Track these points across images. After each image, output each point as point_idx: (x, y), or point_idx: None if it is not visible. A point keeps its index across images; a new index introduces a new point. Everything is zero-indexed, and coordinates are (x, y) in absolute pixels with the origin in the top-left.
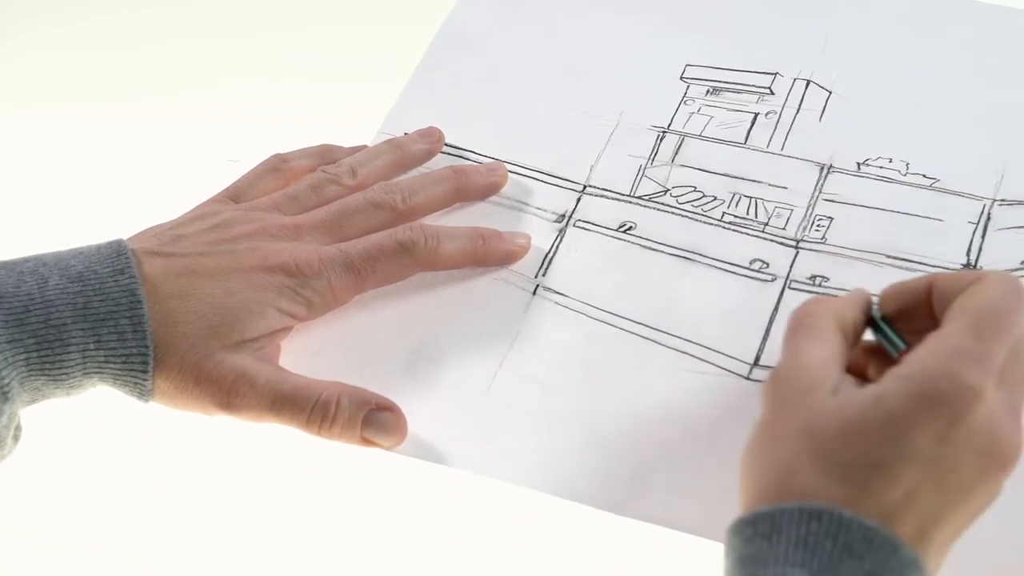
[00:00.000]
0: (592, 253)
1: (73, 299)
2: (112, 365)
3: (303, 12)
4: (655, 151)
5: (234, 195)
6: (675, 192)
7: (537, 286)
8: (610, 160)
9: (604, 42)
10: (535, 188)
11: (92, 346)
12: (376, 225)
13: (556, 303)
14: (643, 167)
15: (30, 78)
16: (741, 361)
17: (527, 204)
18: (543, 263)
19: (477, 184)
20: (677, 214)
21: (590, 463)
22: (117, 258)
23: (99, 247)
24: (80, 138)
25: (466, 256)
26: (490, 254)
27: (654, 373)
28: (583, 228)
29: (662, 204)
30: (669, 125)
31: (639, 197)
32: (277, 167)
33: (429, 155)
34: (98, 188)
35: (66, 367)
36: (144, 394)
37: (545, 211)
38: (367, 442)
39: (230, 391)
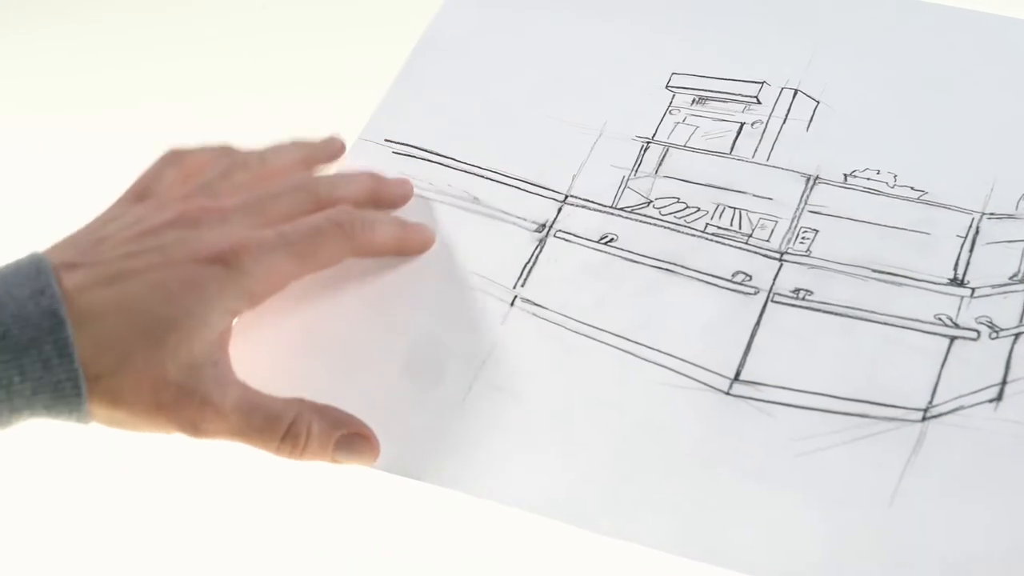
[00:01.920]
0: (572, 264)
1: None
2: (42, 396)
3: (282, 18)
4: (639, 162)
5: (141, 193)
6: (658, 204)
7: (515, 297)
8: (592, 170)
9: (588, 50)
10: (515, 197)
11: (16, 379)
12: (301, 211)
13: (534, 315)
14: (626, 178)
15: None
16: (721, 376)
17: (507, 213)
18: (522, 274)
19: (392, 191)
20: (660, 226)
21: (565, 479)
22: (37, 277)
23: (17, 265)
24: (50, 147)
25: (395, 242)
26: (412, 242)
27: (633, 387)
28: (564, 239)
29: (645, 216)
30: (653, 135)
31: (621, 208)
32: (175, 160)
33: (331, 160)
34: (77, 197)
35: None
36: (82, 418)
37: (525, 220)
38: (337, 463)
39: (195, 420)
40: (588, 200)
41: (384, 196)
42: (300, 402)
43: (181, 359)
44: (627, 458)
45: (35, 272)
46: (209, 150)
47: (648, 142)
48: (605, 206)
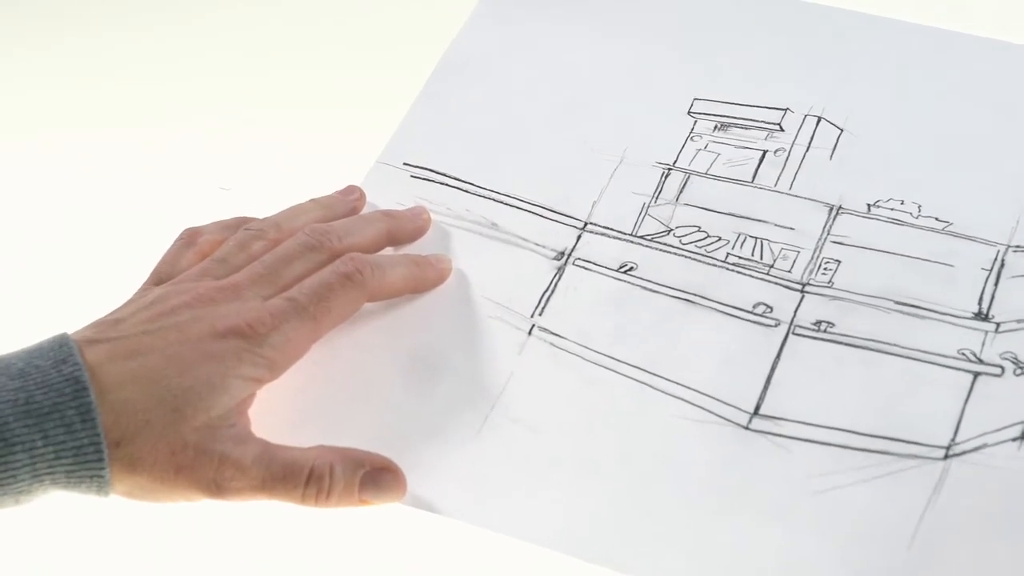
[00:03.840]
0: (591, 293)
1: (14, 395)
2: (64, 461)
3: (301, 37)
4: (659, 189)
5: (159, 278)
6: (679, 232)
7: (533, 326)
8: (613, 197)
9: (610, 73)
10: (535, 223)
11: (39, 443)
12: (314, 270)
13: (552, 344)
14: (647, 205)
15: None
16: (740, 410)
17: (526, 240)
18: (540, 302)
19: (407, 228)
20: (680, 255)
21: (580, 513)
22: (59, 349)
23: (41, 343)
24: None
25: (408, 281)
26: (427, 279)
27: (651, 420)
28: (583, 267)
29: (665, 244)
30: (675, 162)
31: (641, 236)
32: (192, 241)
33: (354, 213)
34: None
35: (11, 469)
36: (103, 487)
37: (544, 248)
38: (366, 503)
39: (216, 479)
40: (608, 228)
41: (400, 235)
42: (320, 448)
43: (199, 423)
44: (643, 493)
45: (58, 345)
46: (223, 225)
47: (669, 169)
48: (625, 234)
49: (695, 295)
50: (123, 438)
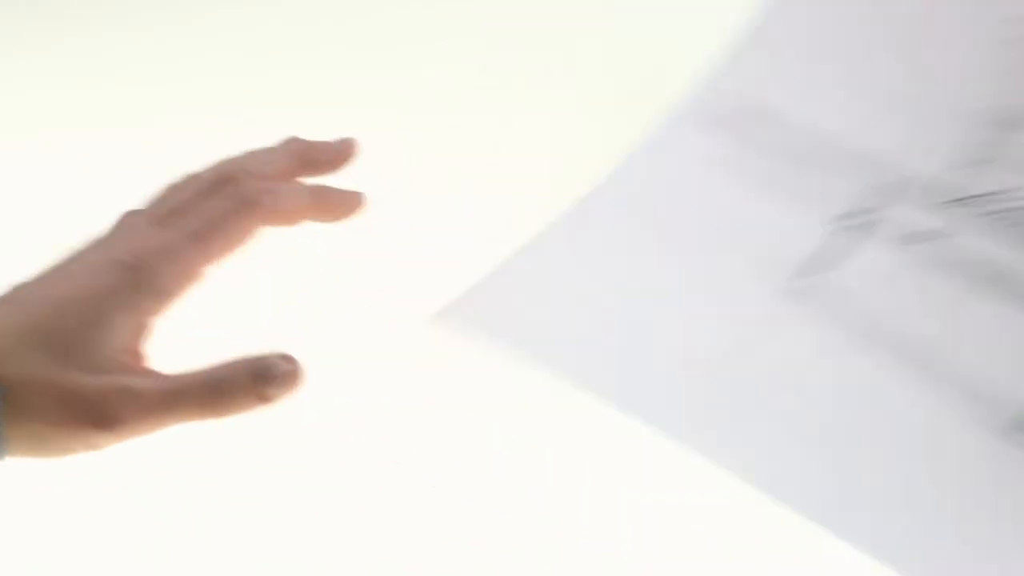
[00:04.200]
0: (875, 262)
1: None
2: None
3: (301, 38)
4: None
5: None
6: (997, 196)
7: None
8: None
9: None
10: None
11: None
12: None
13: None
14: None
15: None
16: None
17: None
18: (814, 264)
19: (323, 154)
20: (991, 224)
21: (811, 472)
22: None
23: None
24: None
25: (307, 207)
26: (330, 204)
27: (903, 412)
28: (870, 231)
29: (975, 210)
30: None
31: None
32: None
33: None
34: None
35: None
36: None
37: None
38: (265, 398)
39: (110, 412)
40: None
41: (317, 160)
42: (210, 364)
43: (89, 360)
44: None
45: None
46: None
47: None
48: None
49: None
50: (10, 388)
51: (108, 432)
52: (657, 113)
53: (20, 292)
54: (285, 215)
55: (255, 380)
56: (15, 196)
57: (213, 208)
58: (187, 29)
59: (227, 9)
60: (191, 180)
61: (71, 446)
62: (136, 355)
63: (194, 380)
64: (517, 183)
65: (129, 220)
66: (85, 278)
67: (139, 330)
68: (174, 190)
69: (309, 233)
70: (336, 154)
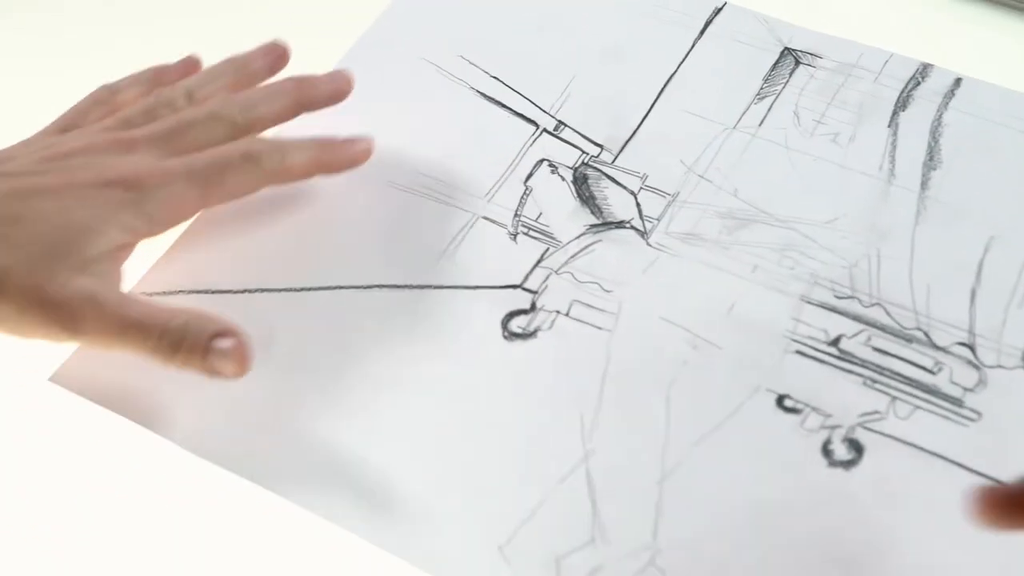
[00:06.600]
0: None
1: None
2: None
3: (301, 38)
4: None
5: (62, 127)
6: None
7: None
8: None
9: None
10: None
11: None
12: (215, 140)
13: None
14: None
15: None
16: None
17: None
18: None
19: (320, 93)
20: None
21: None
22: None
23: None
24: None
25: (313, 165)
26: (336, 162)
27: None
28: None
29: None
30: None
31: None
32: (104, 99)
33: (271, 72)
34: None
35: None
36: None
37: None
38: (211, 369)
39: (76, 315)
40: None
41: (313, 101)
42: (181, 308)
43: (72, 261)
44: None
45: None
46: (138, 84)
47: None
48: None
49: None
50: None
51: (66, 333)
52: None
53: (15, 176)
54: (289, 176)
55: (207, 349)
56: None
57: (218, 157)
58: (186, 29)
59: (227, 10)
60: (180, 95)
61: (31, 333)
62: (113, 271)
63: (155, 322)
64: None
65: (119, 125)
66: (85, 184)
67: (122, 249)
68: (166, 103)
69: None
70: (332, 94)
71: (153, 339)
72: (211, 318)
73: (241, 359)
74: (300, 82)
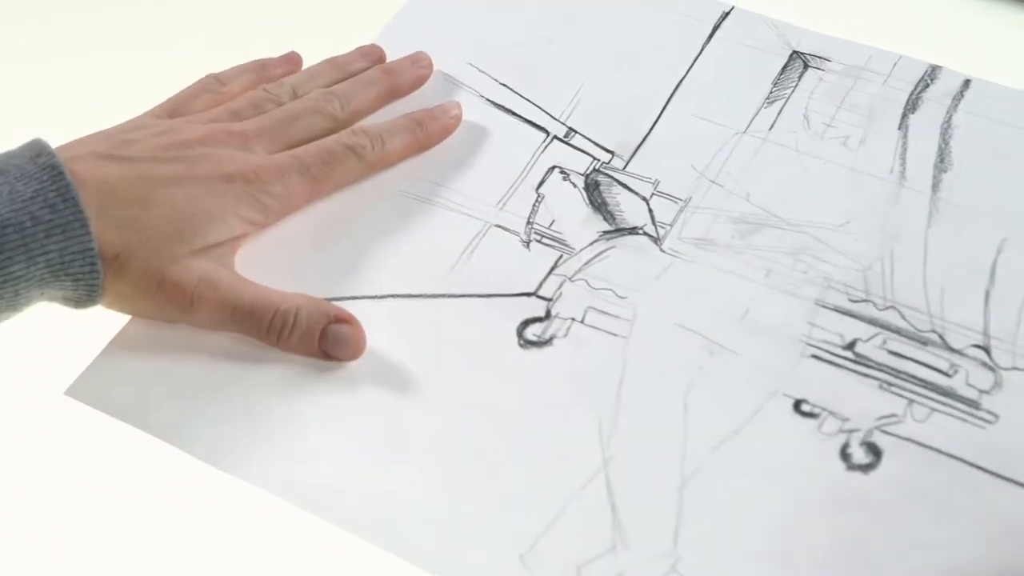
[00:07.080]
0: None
1: None
2: (55, 239)
3: (301, 37)
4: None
5: (171, 111)
6: None
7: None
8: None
9: None
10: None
11: (28, 224)
12: (318, 132)
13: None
14: None
15: None
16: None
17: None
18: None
19: (407, 80)
20: None
21: None
22: (32, 145)
23: (10, 150)
24: None
25: (410, 147)
26: (431, 137)
27: None
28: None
29: None
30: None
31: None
32: (212, 88)
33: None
34: None
35: (6, 250)
36: (95, 279)
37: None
38: (325, 355)
39: (192, 295)
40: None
41: (401, 88)
42: (294, 294)
43: (195, 246)
44: None
45: (30, 147)
46: (244, 75)
47: None
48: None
49: None
50: (123, 251)
51: (182, 313)
52: None
53: (140, 161)
54: (389, 162)
55: (321, 335)
56: None
57: (324, 152)
58: (187, 28)
59: (228, 11)
60: (285, 91)
61: (148, 312)
62: (229, 257)
63: (268, 305)
64: None
65: (228, 117)
66: (209, 176)
67: (239, 239)
68: (272, 97)
69: None
70: (417, 79)
71: (265, 323)
72: (324, 304)
73: (358, 345)
74: (388, 71)
